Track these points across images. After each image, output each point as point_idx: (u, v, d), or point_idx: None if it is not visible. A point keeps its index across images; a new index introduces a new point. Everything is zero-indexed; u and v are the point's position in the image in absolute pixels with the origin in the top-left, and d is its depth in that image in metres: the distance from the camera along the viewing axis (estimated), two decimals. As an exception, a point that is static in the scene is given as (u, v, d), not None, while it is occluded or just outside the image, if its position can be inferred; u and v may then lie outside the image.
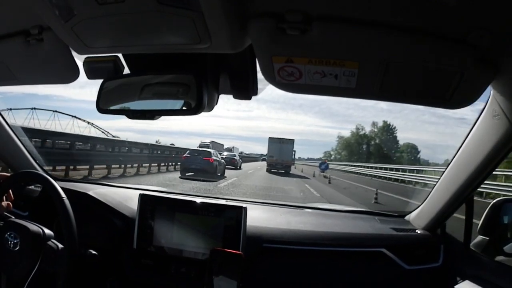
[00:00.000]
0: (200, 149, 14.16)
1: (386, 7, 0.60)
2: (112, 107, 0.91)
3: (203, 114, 0.86)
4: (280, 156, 19.39)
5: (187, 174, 11.33)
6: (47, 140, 8.21)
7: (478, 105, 0.82)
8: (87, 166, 9.27)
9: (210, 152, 12.46)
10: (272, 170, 18.58)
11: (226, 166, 14.03)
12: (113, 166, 10.46)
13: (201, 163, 11.49)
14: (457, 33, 0.63)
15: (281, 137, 21.40)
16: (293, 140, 21.17)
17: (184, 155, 12.46)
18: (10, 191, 1.05)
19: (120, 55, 0.89)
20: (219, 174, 12.08)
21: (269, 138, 20.78)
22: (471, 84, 0.71)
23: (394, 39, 0.65)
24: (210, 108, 0.89)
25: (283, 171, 18.66)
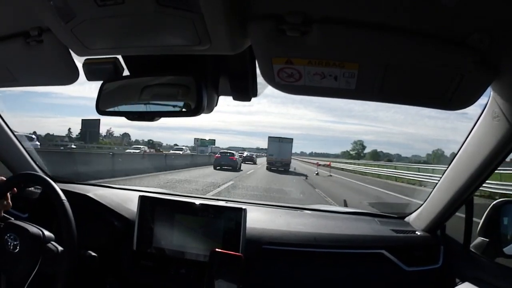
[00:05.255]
0: (227, 151, 20.78)
1: (386, 9, 0.60)
2: (111, 109, 0.90)
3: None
4: (279, 155, 19.91)
5: (217, 167, 16.66)
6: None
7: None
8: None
9: (233, 153, 18.43)
10: (272, 168, 18.87)
11: (246, 162, 22.78)
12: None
13: (228, 161, 17.12)
14: (457, 36, 0.63)
15: (281, 135, 22.38)
16: (292, 139, 21.96)
17: (216, 155, 18.68)
18: (9, 194, 1.05)
19: (119, 56, 0.89)
20: (238, 168, 17.34)
21: (269, 137, 21.46)
22: (471, 86, 0.71)
23: (394, 41, 0.65)
24: (209, 109, 0.89)
25: (282, 169, 18.97)
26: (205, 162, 19.91)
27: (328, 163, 26.20)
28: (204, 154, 27.40)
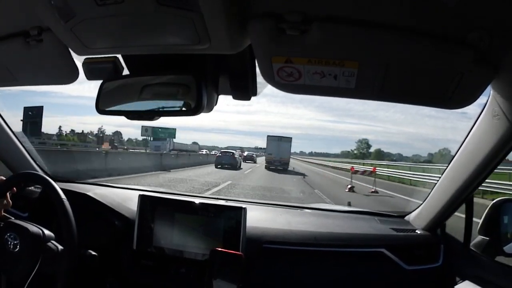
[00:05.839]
0: (227, 150, 22.30)
1: (386, 8, 0.60)
2: (111, 108, 0.90)
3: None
4: (278, 154, 19.90)
5: (218, 166, 17.37)
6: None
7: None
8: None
9: (233, 152, 19.51)
10: (271, 167, 18.86)
11: (247, 161, 24.09)
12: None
13: (228, 159, 17.87)
14: (457, 34, 0.63)
15: (280, 135, 22.62)
16: (291, 138, 21.95)
17: (217, 154, 20.01)
18: (8, 193, 1.05)
19: (119, 56, 0.89)
20: (238, 166, 18.16)
21: (268, 136, 21.49)
22: (471, 84, 0.71)
23: (393, 39, 0.65)
24: (209, 108, 0.89)
25: (281, 168, 18.93)
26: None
27: (372, 168, 12.98)
28: (159, 152, 18.72)
